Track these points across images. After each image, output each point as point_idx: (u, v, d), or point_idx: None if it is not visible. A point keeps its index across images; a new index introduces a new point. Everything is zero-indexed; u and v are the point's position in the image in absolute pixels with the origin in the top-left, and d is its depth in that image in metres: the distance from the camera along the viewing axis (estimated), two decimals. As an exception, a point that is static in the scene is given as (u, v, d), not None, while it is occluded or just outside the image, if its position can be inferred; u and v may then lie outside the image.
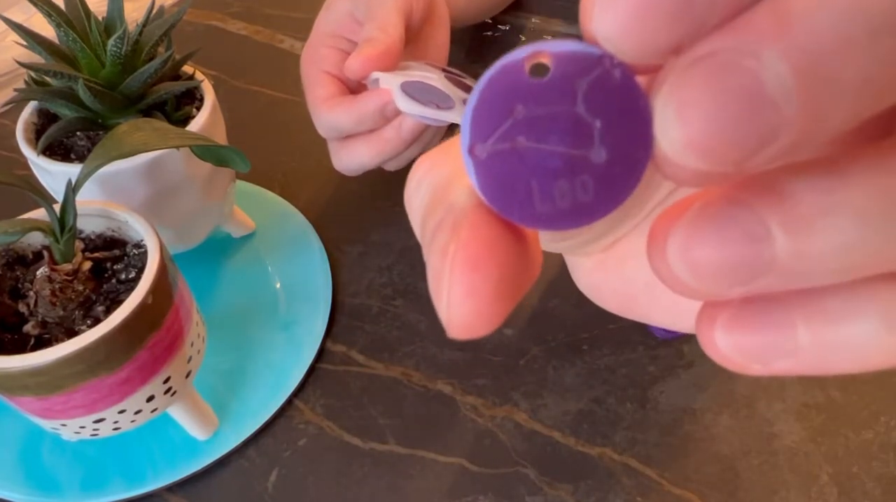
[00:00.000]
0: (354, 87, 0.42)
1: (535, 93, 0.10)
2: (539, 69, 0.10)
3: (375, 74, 0.37)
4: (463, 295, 0.11)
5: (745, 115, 0.09)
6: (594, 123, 0.10)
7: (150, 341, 0.31)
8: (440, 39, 0.45)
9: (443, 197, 0.12)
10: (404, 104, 0.35)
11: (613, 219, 0.14)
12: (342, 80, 0.42)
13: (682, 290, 0.10)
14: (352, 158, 0.41)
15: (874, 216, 0.09)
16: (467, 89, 0.38)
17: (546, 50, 0.10)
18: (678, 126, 0.09)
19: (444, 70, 0.41)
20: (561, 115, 0.10)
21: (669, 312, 0.16)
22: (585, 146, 0.10)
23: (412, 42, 0.43)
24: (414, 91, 0.36)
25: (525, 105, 0.10)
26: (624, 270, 0.16)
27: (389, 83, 0.36)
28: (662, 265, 0.10)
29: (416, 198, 0.13)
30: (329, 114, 0.40)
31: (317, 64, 0.42)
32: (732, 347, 0.11)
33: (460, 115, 0.34)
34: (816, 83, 0.08)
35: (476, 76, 0.64)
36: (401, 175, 0.52)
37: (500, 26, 0.66)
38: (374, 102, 0.37)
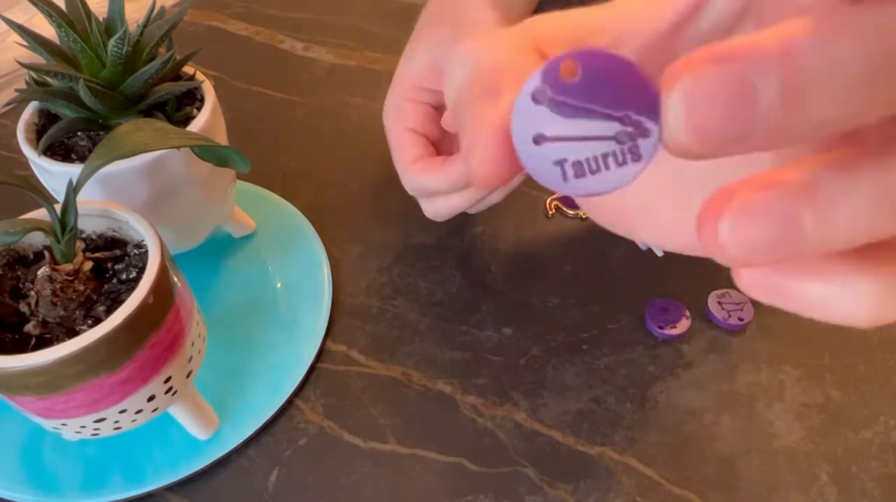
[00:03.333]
0: (439, 142, 0.42)
1: (570, 90, 0.13)
2: (571, 70, 0.13)
3: None
4: (493, 152, 0.14)
5: (737, 114, 0.11)
6: (618, 112, 0.12)
7: (151, 341, 0.31)
8: None
9: (490, 78, 0.15)
10: None
11: None
12: (427, 137, 0.41)
13: (725, 258, 0.13)
14: (445, 206, 0.41)
15: (871, 200, 0.12)
16: None
17: (575, 54, 0.12)
18: (684, 115, 0.11)
19: None
20: (593, 109, 0.12)
21: (655, 233, 0.19)
22: (614, 130, 0.12)
23: None
24: None
25: (562, 100, 0.13)
26: (624, 190, 0.19)
27: None
28: (712, 239, 0.13)
29: (460, 70, 0.17)
30: (419, 177, 0.39)
31: (401, 120, 0.41)
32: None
33: None
34: (795, 108, 0.11)
35: None
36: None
37: (500, 26, 0.66)
38: (464, 165, 0.37)
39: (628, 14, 0.18)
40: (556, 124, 0.13)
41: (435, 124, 0.41)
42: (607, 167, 0.13)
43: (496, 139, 0.14)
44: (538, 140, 0.13)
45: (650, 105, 0.12)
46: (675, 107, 0.11)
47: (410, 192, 0.42)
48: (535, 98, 0.12)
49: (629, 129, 0.12)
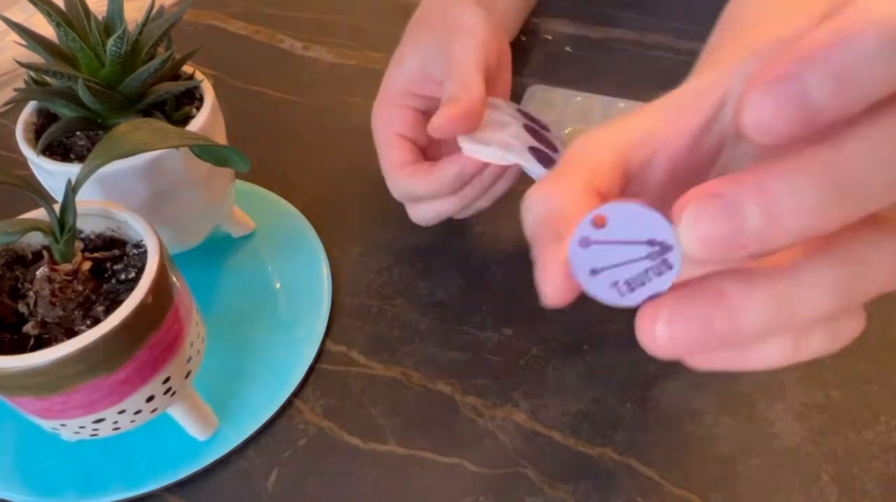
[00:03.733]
0: (426, 148, 0.42)
1: (604, 239, 0.17)
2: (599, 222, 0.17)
3: (464, 144, 0.38)
4: (558, 283, 0.18)
5: (731, 229, 0.15)
6: (644, 240, 0.17)
7: (150, 341, 0.31)
8: (505, 76, 0.44)
9: (554, 224, 0.19)
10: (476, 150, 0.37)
11: None
12: (414, 142, 0.41)
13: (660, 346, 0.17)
14: (431, 211, 0.41)
15: (774, 303, 0.17)
16: (542, 140, 0.39)
17: (602, 213, 0.17)
18: (693, 234, 0.16)
19: (522, 114, 0.42)
20: (626, 241, 0.17)
21: None
22: (650, 259, 0.17)
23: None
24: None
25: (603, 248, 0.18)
26: None
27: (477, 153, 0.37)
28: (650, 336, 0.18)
29: (529, 215, 0.21)
30: (406, 181, 0.40)
31: (390, 125, 0.41)
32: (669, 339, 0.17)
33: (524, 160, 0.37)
34: (772, 233, 0.15)
35: None
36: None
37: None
38: (452, 170, 0.38)
39: (660, 125, 0.21)
40: (603, 259, 0.17)
41: (422, 129, 0.41)
42: (649, 279, 0.17)
43: (559, 272, 0.18)
44: (594, 272, 0.18)
45: (665, 229, 0.17)
46: (686, 230, 0.16)
47: (397, 197, 0.42)
48: (582, 244, 0.18)
49: (657, 249, 0.17)
